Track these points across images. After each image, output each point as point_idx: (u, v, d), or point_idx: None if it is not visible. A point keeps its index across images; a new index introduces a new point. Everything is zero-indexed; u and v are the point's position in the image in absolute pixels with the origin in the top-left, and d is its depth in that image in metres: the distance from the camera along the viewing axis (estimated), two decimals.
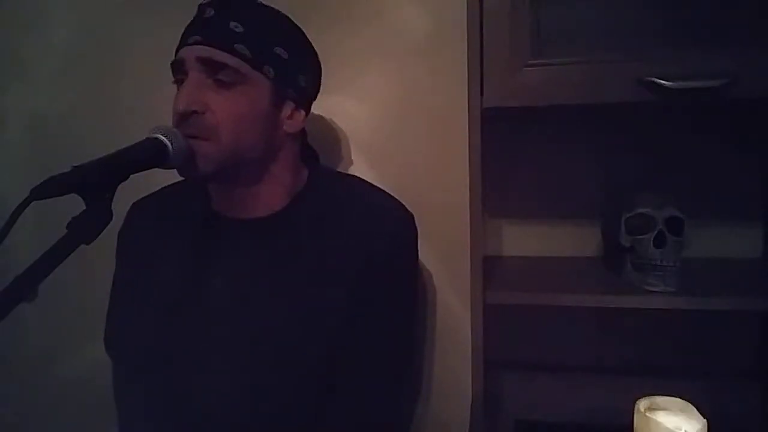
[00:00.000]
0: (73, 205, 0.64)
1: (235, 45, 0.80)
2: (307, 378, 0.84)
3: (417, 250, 0.93)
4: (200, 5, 0.84)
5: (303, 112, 0.89)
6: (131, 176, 0.70)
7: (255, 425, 0.84)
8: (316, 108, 1.11)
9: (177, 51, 0.84)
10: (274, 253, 0.86)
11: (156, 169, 0.76)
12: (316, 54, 0.92)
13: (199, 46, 0.80)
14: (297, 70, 0.87)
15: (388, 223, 0.89)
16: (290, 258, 0.86)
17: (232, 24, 0.80)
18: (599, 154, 1.08)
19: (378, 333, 0.87)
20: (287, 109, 0.86)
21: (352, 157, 1.14)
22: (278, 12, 0.87)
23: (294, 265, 0.86)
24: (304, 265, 0.85)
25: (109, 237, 0.69)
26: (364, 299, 0.85)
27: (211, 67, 0.80)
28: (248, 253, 0.87)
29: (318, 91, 0.94)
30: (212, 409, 0.84)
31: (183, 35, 0.84)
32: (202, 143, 0.79)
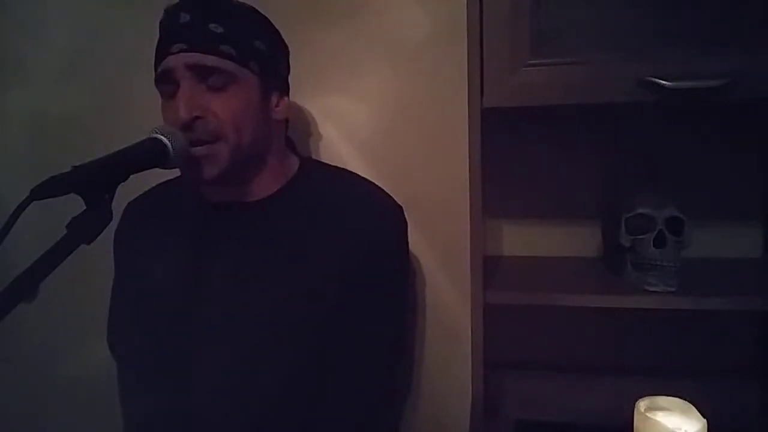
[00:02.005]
0: (73, 205, 0.64)
1: (221, 46, 0.81)
2: (302, 361, 0.84)
3: (407, 241, 0.94)
4: (168, 10, 0.84)
5: (286, 98, 0.92)
6: (131, 176, 0.70)
7: (254, 416, 0.84)
8: (318, 107, 1.12)
9: (159, 60, 0.83)
10: (265, 236, 0.88)
11: (156, 169, 0.76)
12: (282, 38, 0.93)
13: (186, 54, 0.80)
14: (276, 60, 0.90)
15: (377, 212, 0.91)
16: (280, 241, 0.87)
17: (212, 26, 0.81)
18: (599, 154, 1.08)
19: (368, 321, 0.88)
20: (274, 98, 0.89)
21: (353, 157, 1.13)
22: (247, 5, 0.88)
23: (284, 247, 0.87)
24: (294, 248, 0.86)
25: (109, 237, 0.70)
26: (353, 286, 0.86)
27: (201, 72, 0.80)
28: (242, 236, 0.88)
29: (289, 73, 0.95)
30: (213, 398, 0.84)
31: (161, 43, 0.83)
32: (211, 147, 0.80)
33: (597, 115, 1.03)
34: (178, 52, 0.80)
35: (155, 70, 0.84)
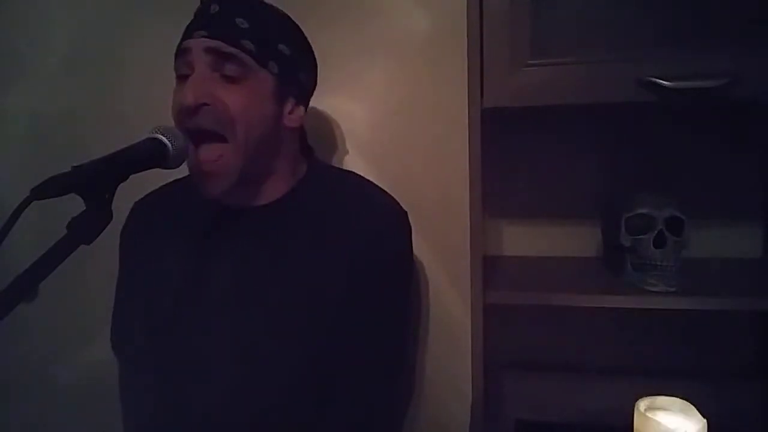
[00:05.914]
0: (73, 205, 0.64)
1: (241, 40, 0.80)
2: (305, 365, 0.84)
3: (411, 246, 0.94)
4: (204, 0, 0.84)
5: (302, 108, 0.90)
6: (131, 176, 0.70)
7: (255, 420, 0.84)
8: (318, 106, 1.12)
9: (181, 42, 0.84)
10: (273, 239, 0.88)
11: (156, 169, 0.76)
12: (313, 51, 0.93)
13: (206, 40, 0.80)
14: (298, 67, 0.88)
15: (382, 217, 0.90)
16: (287, 244, 0.87)
17: (238, 20, 0.81)
18: (599, 154, 1.08)
19: (372, 325, 0.87)
20: (289, 104, 0.87)
21: (352, 157, 1.14)
22: (280, 10, 0.88)
23: (291, 251, 0.87)
24: (301, 251, 0.86)
25: (108, 237, 0.69)
26: (358, 290, 0.85)
27: (217, 59, 0.80)
28: (249, 240, 0.88)
29: (315, 87, 0.94)
30: (215, 401, 0.84)
31: (187, 29, 0.84)
32: (220, 147, 0.80)
33: (597, 115, 1.03)
34: (199, 38, 0.80)
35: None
